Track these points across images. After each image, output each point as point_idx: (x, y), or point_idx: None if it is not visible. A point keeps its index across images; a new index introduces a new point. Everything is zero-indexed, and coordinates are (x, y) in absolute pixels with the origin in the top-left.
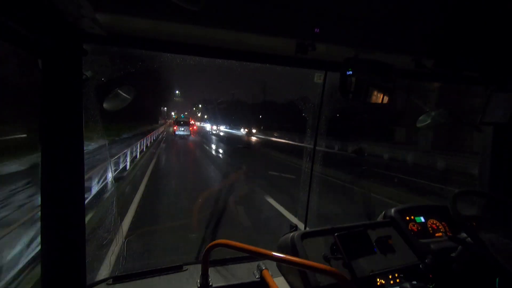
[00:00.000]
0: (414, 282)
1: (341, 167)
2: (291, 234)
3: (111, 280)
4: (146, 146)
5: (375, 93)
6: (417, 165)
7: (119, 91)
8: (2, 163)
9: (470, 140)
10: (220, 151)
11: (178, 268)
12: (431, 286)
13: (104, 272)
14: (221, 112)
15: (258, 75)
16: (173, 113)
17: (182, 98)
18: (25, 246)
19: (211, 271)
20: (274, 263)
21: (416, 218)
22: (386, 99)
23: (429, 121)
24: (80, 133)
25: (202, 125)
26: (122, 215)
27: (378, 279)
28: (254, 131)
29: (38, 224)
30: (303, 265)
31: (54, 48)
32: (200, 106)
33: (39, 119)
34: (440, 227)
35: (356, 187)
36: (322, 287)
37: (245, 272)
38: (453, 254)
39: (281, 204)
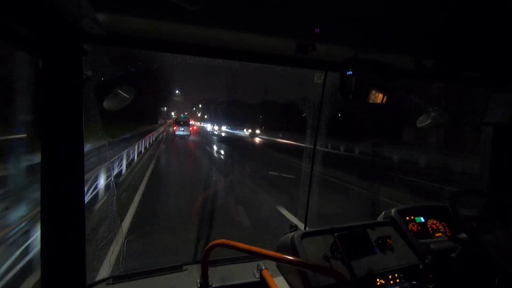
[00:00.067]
0: (414, 282)
1: (355, 171)
2: (291, 234)
3: (111, 279)
4: (145, 147)
5: (375, 93)
6: (435, 168)
7: (119, 91)
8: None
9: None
10: (226, 156)
11: (178, 268)
12: (431, 286)
13: (104, 272)
14: (221, 112)
15: (258, 75)
16: (173, 113)
17: (182, 98)
18: None
19: (211, 271)
20: (274, 263)
21: (416, 218)
22: (386, 99)
23: (429, 121)
24: (80, 133)
25: (202, 125)
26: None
27: (378, 279)
28: (258, 131)
29: None
30: (303, 265)
31: (54, 48)
32: (200, 106)
33: (39, 119)
34: (440, 227)
35: (371, 192)
36: (322, 287)
37: (245, 272)
38: (453, 254)
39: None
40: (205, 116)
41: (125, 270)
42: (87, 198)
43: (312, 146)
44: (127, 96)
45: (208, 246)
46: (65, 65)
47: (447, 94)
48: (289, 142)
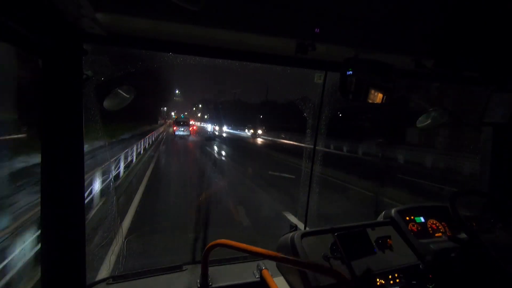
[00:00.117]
0: (414, 282)
1: (362, 173)
2: (291, 234)
3: (111, 279)
4: (144, 148)
5: (375, 93)
6: (442, 170)
7: (119, 90)
8: None
9: None
10: (229, 158)
11: (178, 268)
12: (431, 286)
13: (104, 271)
14: (222, 112)
15: (259, 75)
16: (173, 113)
17: (182, 98)
18: None
19: (211, 271)
20: (274, 263)
21: (416, 218)
22: (386, 99)
23: (429, 121)
24: (80, 133)
25: (202, 125)
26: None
27: (378, 279)
28: (259, 132)
29: None
30: (303, 265)
31: (54, 48)
32: (200, 106)
33: (39, 119)
34: (440, 227)
35: (386, 199)
36: (322, 287)
37: (245, 272)
38: (453, 254)
39: None
40: (205, 116)
41: (125, 270)
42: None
43: (318, 147)
44: (127, 96)
45: (208, 246)
46: (65, 65)
47: (451, 94)
48: (294, 143)
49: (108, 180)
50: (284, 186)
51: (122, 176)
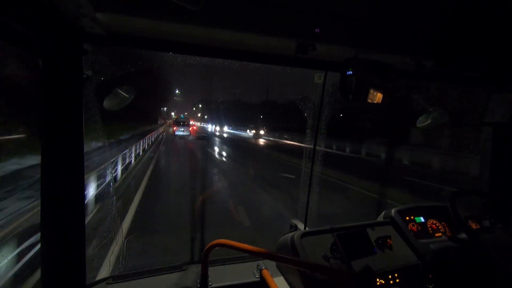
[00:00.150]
0: (414, 282)
1: (369, 175)
2: (291, 234)
3: (111, 279)
4: (143, 149)
5: (375, 93)
6: (452, 172)
7: (119, 90)
8: None
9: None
10: (231, 160)
11: (178, 268)
12: (431, 286)
13: (104, 271)
14: (222, 112)
15: (259, 75)
16: (173, 113)
17: (182, 98)
18: None
19: (211, 271)
20: (274, 263)
21: (416, 218)
22: (386, 99)
23: (429, 121)
24: (80, 133)
25: (202, 125)
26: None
27: (378, 279)
28: (262, 132)
29: None
30: (303, 265)
31: (54, 47)
32: (200, 106)
33: (39, 119)
34: (440, 227)
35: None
36: (322, 287)
37: (245, 271)
38: (453, 254)
39: None
40: (205, 116)
41: (125, 269)
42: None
43: (324, 149)
44: (127, 96)
45: (208, 246)
46: (65, 65)
47: (457, 93)
48: (299, 144)
49: (103, 184)
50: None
51: (120, 179)
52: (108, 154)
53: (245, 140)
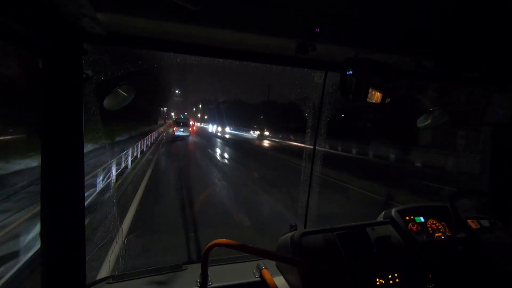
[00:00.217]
0: (414, 282)
1: (380, 179)
2: (291, 233)
3: (111, 279)
4: (142, 151)
5: (376, 93)
6: (467, 174)
7: (119, 90)
8: None
9: None
10: (239, 165)
11: (177, 268)
12: (431, 286)
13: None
14: (222, 112)
15: (259, 74)
16: (172, 114)
17: (182, 98)
18: None
19: (211, 270)
20: (274, 263)
21: (416, 218)
22: (386, 99)
23: (429, 121)
24: (80, 133)
25: (202, 125)
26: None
27: (377, 279)
28: (266, 133)
29: None
30: (302, 265)
31: (54, 47)
32: (200, 106)
33: (39, 119)
34: (440, 227)
35: None
36: (321, 287)
37: (245, 271)
38: (453, 254)
39: None
40: (205, 117)
41: (125, 269)
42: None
43: (333, 151)
44: (127, 95)
45: (208, 246)
46: (65, 65)
47: (464, 92)
48: (309, 147)
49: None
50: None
51: (114, 186)
52: (102, 158)
53: (249, 142)
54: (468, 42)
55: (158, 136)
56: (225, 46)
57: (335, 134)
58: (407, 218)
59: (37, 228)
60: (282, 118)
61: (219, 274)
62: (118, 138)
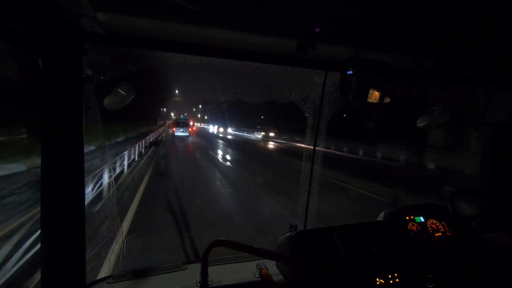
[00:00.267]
0: (414, 282)
1: (396, 184)
2: (291, 233)
3: (111, 278)
4: (140, 154)
5: (376, 93)
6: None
7: (119, 90)
8: None
9: None
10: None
11: (178, 267)
12: (430, 286)
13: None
14: (222, 112)
15: (259, 74)
16: (172, 114)
17: (182, 98)
18: None
19: (211, 270)
20: (274, 262)
21: (416, 218)
22: (386, 99)
23: (429, 121)
24: (80, 133)
25: (203, 126)
26: None
27: (377, 279)
28: (272, 134)
29: None
30: (302, 265)
31: (54, 47)
32: (200, 106)
33: (39, 119)
34: (440, 227)
35: None
36: (321, 287)
37: (245, 271)
38: (453, 254)
39: None
40: (205, 117)
41: (125, 269)
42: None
43: (339, 152)
44: (127, 95)
45: (208, 245)
46: (65, 65)
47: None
48: (323, 149)
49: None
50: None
51: (106, 196)
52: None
53: (253, 143)
54: (468, 42)
55: (157, 137)
56: (225, 46)
57: (337, 135)
58: (407, 218)
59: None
60: (282, 119)
61: (219, 274)
62: (116, 139)
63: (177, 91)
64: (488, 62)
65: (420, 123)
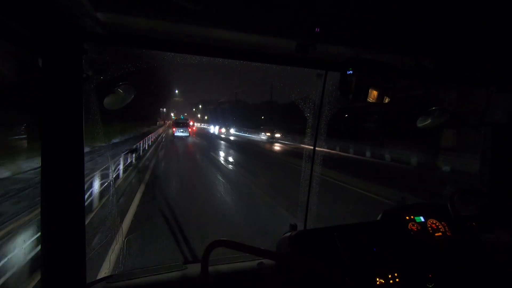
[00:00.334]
0: (414, 282)
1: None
2: (291, 233)
3: (111, 278)
4: (138, 156)
5: (376, 93)
6: None
7: (119, 89)
8: None
9: None
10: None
11: (178, 267)
12: (430, 286)
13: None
14: (223, 113)
15: (259, 74)
16: (172, 114)
17: (182, 98)
18: None
19: (211, 270)
20: (274, 263)
21: (416, 218)
22: (386, 99)
23: (429, 121)
24: (80, 133)
25: (203, 126)
26: None
27: (377, 279)
28: (278, 135)
29: None
30: (302, 264)
31: (54, 47)
32: (200, 106)
33: (39, 119)
34: (440, 227)
35: None
36: (321, 287)
37: (245, 271)
38: (453, 254)
39: None
40: (205, 117)
41: (125, 269)
42: None
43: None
44: (127, 95)
45: (208, 245)
46: (65, 65)
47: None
48: (339, 153)
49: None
50: None
51: (97, 206)
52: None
53: (258, 145)
54: (468, 42)
55: (157, 138)
56: (225, 46)
57: (338, 135)
58: (407, 217)
59: None
60: (283, 119)
61: (219, 273)
62: (114, 140)
63: (177, 91)
64: (488, 62)
65: (420, 123)
